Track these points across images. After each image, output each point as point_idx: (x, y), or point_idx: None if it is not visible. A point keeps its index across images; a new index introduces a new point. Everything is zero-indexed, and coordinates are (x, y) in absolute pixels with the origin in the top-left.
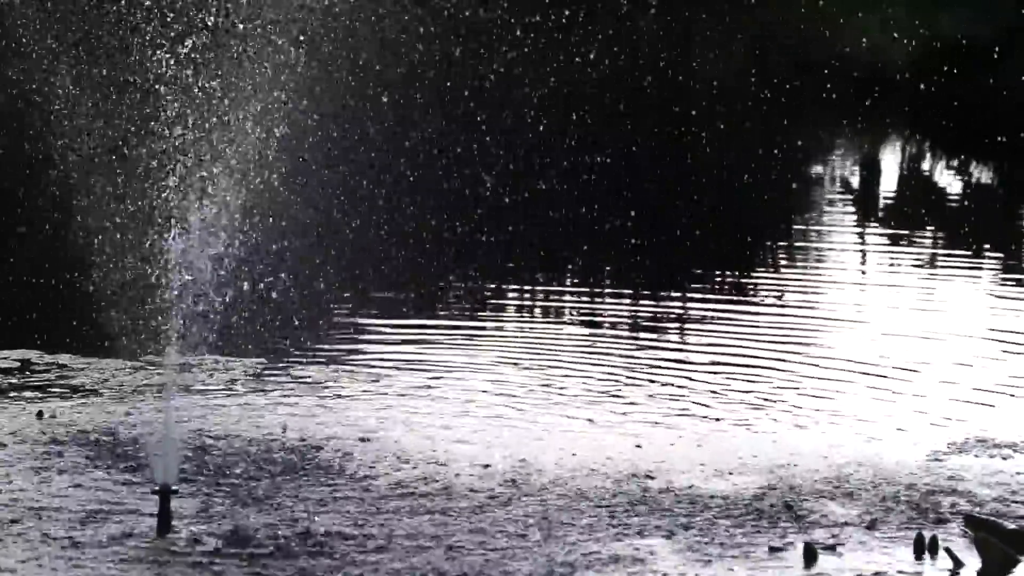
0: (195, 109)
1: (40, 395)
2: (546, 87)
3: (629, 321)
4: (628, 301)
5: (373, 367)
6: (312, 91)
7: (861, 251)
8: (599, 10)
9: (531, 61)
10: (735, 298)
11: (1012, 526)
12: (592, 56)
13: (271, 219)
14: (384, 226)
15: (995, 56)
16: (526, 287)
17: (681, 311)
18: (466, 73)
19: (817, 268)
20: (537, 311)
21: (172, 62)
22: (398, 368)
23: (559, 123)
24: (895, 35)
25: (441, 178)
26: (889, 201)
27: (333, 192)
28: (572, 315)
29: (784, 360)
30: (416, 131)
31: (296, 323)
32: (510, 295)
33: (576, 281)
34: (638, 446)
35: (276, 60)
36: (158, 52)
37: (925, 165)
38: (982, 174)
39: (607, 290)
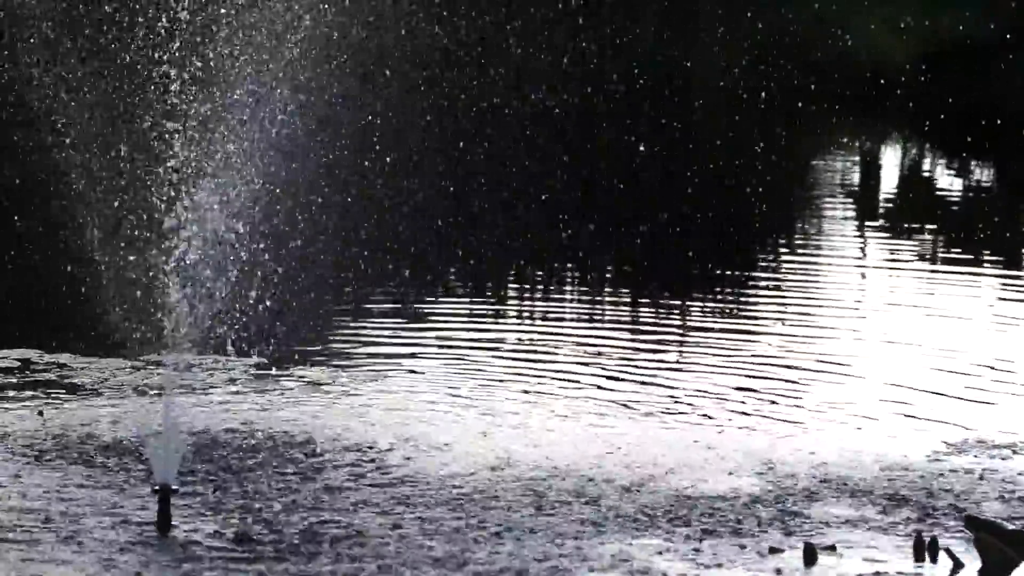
0: (197, 108)
1: (40, 395)
2: (547, 86)
3: (629, 321)
4: (627, 301)
5: (373, 367)
6: (314, 90)
7: (861, 251)
8: (602, 9)
9: (533, 61)
10: (735, 298)
11: (1012, 526)
12: (594, 54)
13: (272, 219)
14: (385, 225)
15: (996, 56)
16: (526, 288)
17: (680, 311)
18: (470, 73)
19: (817, 268)
20: (537, 312)
21: (173, 58)
22: (398, 368)
23: (558, 122)
24: (896, 35)
25: (442, 178)
26: (889, 201)
27: (334, 192)
28: (571, 316)
29: (784, 360)
30: (417, 132)
31: (296, 323)
32: (510, 295)
33: (575, 282)
34: (624, 446)
35: (279, 57)
36: (158, 48)
37: (925, 165)
38: (982, 174)
39: (606, 291)
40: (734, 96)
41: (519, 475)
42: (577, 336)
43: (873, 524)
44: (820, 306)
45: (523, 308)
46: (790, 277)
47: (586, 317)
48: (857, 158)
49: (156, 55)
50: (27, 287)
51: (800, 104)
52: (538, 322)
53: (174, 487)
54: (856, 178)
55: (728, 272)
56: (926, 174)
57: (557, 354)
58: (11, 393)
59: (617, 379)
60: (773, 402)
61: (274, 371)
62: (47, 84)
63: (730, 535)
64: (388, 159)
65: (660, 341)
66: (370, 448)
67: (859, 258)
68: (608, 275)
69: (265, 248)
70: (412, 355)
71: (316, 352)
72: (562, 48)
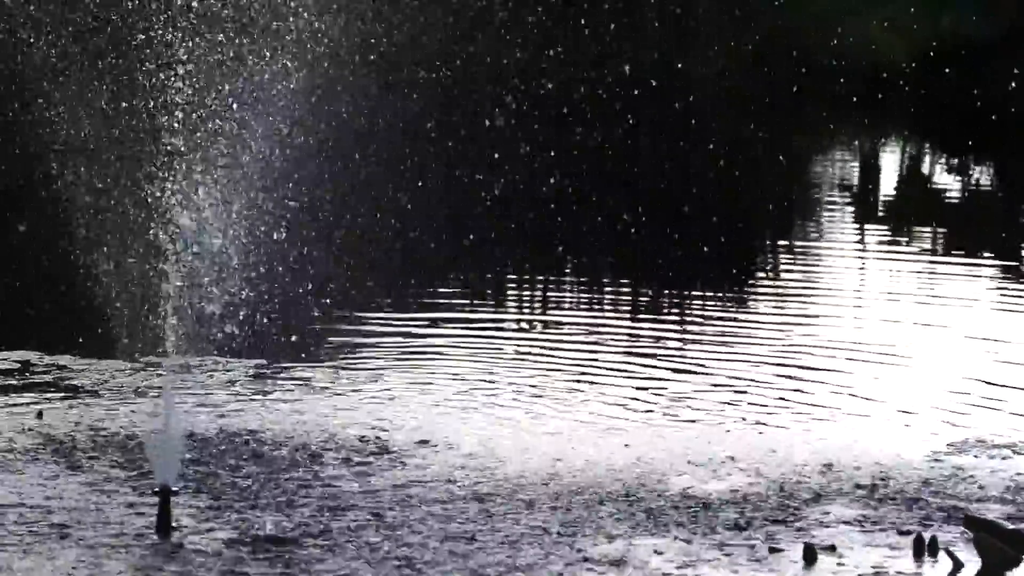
0: (197, 105)
1: (40, 395)
2: (547, 85)
3: (628, 321)
4: (626, 300)
5: (373, 367)
6: (317, 87)
7: (860, 251)
8: (602, 8)
9: (533, 60)
10: (734, 298)
11: (1011, 526)
12: (594, 53)
13: (272, 218)
14: (386, 225)
15: (996, 56)
16: (526, 286)
17: (680, 311)
18: (470, 71)
19: (816, 268)
20: (537, 310)
21: (175, 50)
22: (398, 368)
23: (559, 121)
24: (896, 35)
25: (441, 177)
26: (889, 201)
27: (334, 190)
28: (570, 315)
29: (783, 361)
30: (416, 131)
31: (296, 323)
32: (510, 294)
33: (575, 280)
34: (627, 445)
35: (281, 56)
36: (161, 37)
37: (925, 165)
38: (982, 174)
39: (606, 289)
40: (734, 96)
41: (521, 474)
42: (580, 335)
43: (873, 524)
44: (819, 307)
45: (526, 306)
46: (788, 278)
47: (589, 316)
48: (857, 158)
49: (161, 51)
50: (27, 288)
51: (800, 104)
52: (541, 320)
53: (174, 488)
54: (856, 178)
55: (727, 272)
56: (926, 174)
57: (560, 352)
58: (11, 394)
59: (619, 378)
60: (773, 402)
61: (274, 371)
62: (48, 82)
63: (730, 535)
64: (387, 157)
65: (662, 340)
66: (371, 448)
67: (858, 259)
68: (610, 275)
69: (265, 248)
70: (413, 355)
71: (316, 352)
72: (563, 47)
